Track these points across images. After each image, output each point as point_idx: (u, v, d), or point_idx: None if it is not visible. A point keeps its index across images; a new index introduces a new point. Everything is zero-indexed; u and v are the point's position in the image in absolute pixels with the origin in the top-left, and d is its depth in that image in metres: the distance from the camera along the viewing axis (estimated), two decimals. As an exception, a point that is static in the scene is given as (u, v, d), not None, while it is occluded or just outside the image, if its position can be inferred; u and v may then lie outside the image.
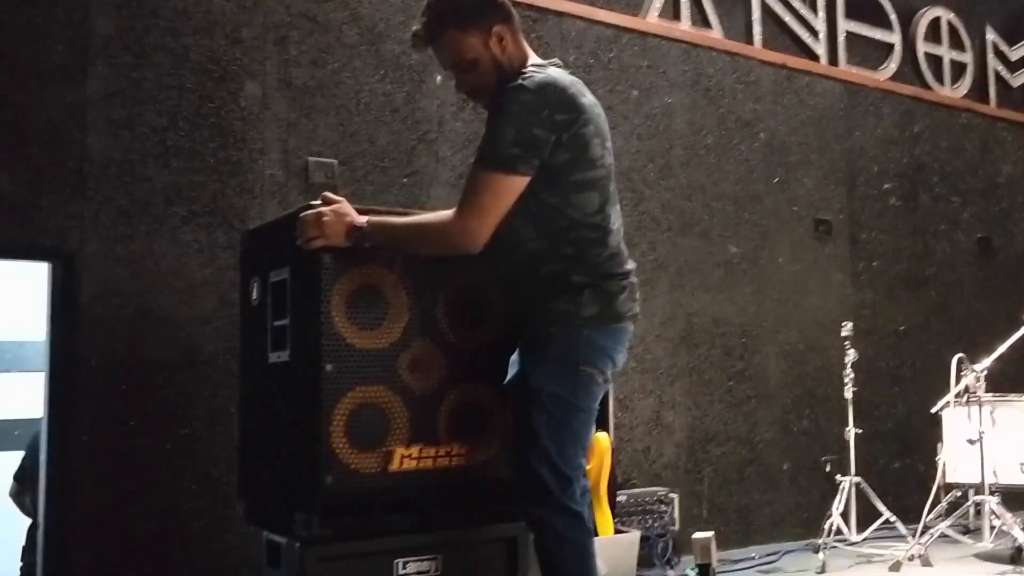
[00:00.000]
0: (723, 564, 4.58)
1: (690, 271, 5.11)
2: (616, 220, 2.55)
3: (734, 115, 5.36)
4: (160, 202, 3.58)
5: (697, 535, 2.46)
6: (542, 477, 2.36)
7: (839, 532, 4.66)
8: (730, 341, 5.24)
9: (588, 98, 2.50)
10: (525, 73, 2.44)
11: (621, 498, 4.29)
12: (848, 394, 4.78)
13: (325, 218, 2.40)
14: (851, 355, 4.75)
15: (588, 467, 3.21)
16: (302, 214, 2.44)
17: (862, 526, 4.76)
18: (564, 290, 2.43)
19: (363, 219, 2.44)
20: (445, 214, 2.44)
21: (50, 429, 3.41)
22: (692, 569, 4.15)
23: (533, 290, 2.47)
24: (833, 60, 5.79)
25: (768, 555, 4.75)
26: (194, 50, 3.68)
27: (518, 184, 2.37)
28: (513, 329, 2.53)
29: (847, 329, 4.78)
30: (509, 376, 2.49)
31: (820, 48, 5.74)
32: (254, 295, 2.71)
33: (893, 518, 4.70)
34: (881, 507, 4.74)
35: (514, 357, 2.50)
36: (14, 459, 4.50)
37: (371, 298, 2.48)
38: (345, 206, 2.46)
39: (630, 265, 2.57)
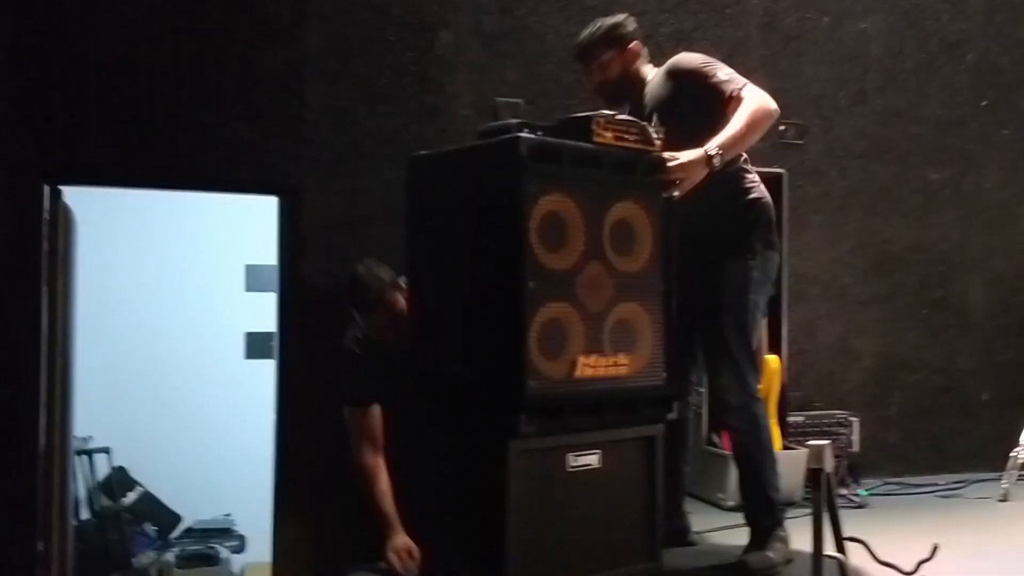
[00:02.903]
0: (906, 488, 4.66)
1: (884, 197, 5.07)
2: None
3: (937, 37, 5.20)
4: (369, 143, 4.06)
5: (812, 442, 2.63)
6: (748, 377, 3.11)
7: (1034, 464, 4.55)
8: (927, 269, 5.18)
9: None
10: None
11: (799, 419, 4.46)
12: (1050, 323, 4.64)
13: (684, 164, 2.91)
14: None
15: (760, 386, 3.46)
16: (669, 164, 2.91)
17: (1057, 459, 4.62)
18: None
19: (709, 150, 2.94)
20: (748, 102, 3.04)
21: (281, 340, 4.01)
22: (866, 491, 4.30)
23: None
24: (1055, -28, 5.44)
25: (955, 483, 4.73)
26: (395, 5, 4.11)
27: None
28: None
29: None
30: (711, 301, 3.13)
31: (1039, -40, 5.41)
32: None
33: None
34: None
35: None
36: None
37: (556, 224, 2.71)
38: (685, 154, 2.93)
39: None
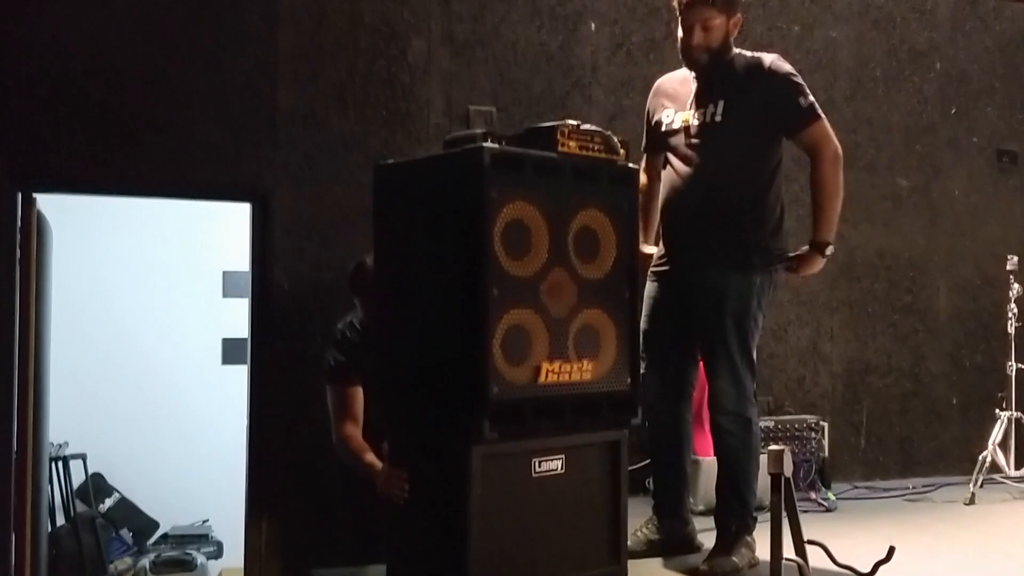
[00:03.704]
0: (875, 492, 4.71)
1: (853, 204, 5.12)
2: None
3: (906, 45, 5.27)
4: (340, 148, 4.09)
5: (772, 447, 2.68)
6: (745, 381, 3.17)
7: (1000, 468, 4.61)
8: (896, 274, 5.24)
9: None
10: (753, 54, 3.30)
11: (769, 423, 4.50)
12: (1011, 328, 4.70)
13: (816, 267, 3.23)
14: (1016, 290, 4.66)
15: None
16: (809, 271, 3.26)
17: (1021, 463, 4.70)
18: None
19: (827, 252, 3.19)
20: (828, 169, 3.17)
21: (253, 345, 4.03)
22: (834, 495, 4.34)
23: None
24: (1021, -18, 5.53)
25: (925, 487, 4.79)
26: (367, 12, 4.14)
27: None
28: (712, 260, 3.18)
29: (1012, 263, 4.68)
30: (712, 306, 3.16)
31: (1006, -30, 5.50)
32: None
33: (1055, 455, 4.61)
34: (1042, 443, 4.66)
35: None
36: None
37: (519, 231, 2.75)
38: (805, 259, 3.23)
39: None
